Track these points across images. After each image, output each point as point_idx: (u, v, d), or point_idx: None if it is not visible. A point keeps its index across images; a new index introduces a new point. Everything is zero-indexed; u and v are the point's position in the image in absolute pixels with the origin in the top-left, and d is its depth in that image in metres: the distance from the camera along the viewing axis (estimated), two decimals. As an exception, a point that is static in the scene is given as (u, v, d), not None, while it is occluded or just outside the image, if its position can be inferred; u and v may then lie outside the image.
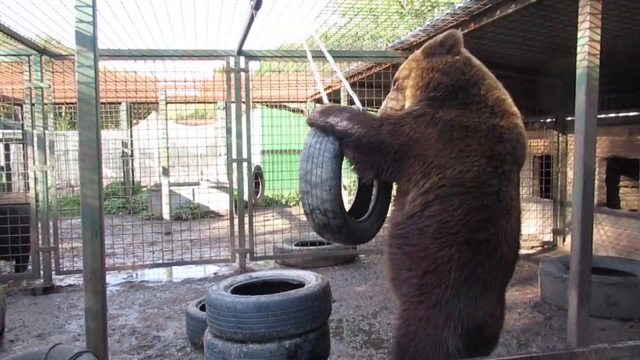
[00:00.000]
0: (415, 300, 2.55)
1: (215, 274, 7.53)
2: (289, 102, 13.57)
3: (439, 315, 2.49)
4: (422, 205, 2.52)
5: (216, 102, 13.57)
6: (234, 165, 7.46)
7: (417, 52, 2.89)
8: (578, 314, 3.94)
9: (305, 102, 13.55)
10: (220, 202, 12.21)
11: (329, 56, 3.58)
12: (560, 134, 8.70)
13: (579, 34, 3.89)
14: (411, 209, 2.57)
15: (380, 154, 2.59)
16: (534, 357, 2.24)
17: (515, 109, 2.72)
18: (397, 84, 2.98)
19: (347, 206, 3.01)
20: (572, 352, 2.28)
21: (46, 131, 6.75)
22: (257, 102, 13.10)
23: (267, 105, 13.84)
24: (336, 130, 2.72)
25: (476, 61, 2.83)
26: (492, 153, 2.49)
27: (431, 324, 2.51)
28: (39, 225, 6.73)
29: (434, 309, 2.50)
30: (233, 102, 7.43)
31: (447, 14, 5.71)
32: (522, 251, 8.79)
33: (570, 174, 8.37)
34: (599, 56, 3.86)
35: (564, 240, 8.71)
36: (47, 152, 6.74)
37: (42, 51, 6.69)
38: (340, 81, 9.70)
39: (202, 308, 4.62)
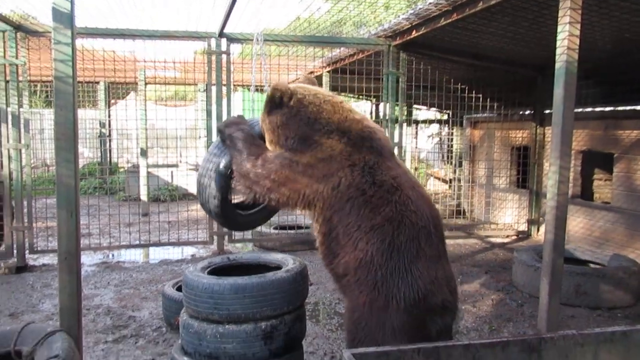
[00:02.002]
0: (356, 294, 2.74)
1: (192, 255, 7.51)
2: (270, 86, 13.46)
3: (379, 297, 2.64)
4: (325, 223, 2.84)
5: (196, 84, 13.39)
6: (214, 148, 7.39)
7: (263, 109, 3.11)
8: (549, 301, 4.04)
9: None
10: (199, 185, 12.10)
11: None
12: (538, 126, 8.83)
13: (559, 28, 3.94)
14: (319, 230, 2.90)
15: (255, 184, 2.93)
16: (504, 342, 2.30)
17: (357, 114, 3.04)
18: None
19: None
20: (541, 338, 2.35)
21: (21, 109, 6.60)
22: (239, 85, 12.98)
23: (248, 89, 13.72)
24: (230, 149, 3.08)
25: (308, 94, 3.02)
26: (351, 161, 2.82)
27: (374, 306, 2.66)
28: (13, 204, 6.61)
29: (373, 292, 2.66)
30: (214, 84, 7.37)
31: (430, 3, 5.72)
32: (497, 240, 9.02)
33: (546, 165, 8.52)
34: (578, 51, 3.91)
35: (538, 230, 8.89)
36: (22, 130, 6.61)
37: (18, 27, 6.51)
38: (325, 66, 9.68)
39: (179, 289, 4.61)
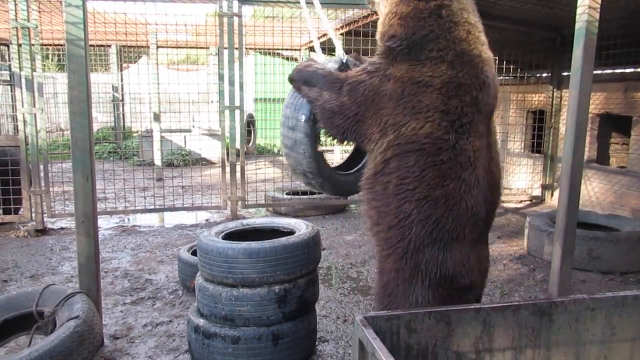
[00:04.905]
0: (385, 253, 2.66)
1: (206, 220, 7.60)
2: (283, 49, 13.31)
3: (406, 268, 2.55)
4: (382, 162, 2.58)
5: (208, 48, 13.27)
6: (226, 112, 7.39)
7: None
8: (561, 266, 4.04)
9: (299, 49, 13.29)
10: (212, 150, 12.16)
11: (317, 3, 3.40)
12: (555, 89, 8.65)
13: (581, -14, 3.80)
14: (374, 166, 2.64)
15: (341, 117, 2.68)
16: (515, 306, 2.32)
17: (485, 55, 2.62)
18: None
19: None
20: (552, 302, 2.36)
21: (34, 73, 6.60)
22: (251, 48, 12.83)
23: (260, 52, 13.58)
24: (306, 95, 2.81)
25: (453, 9, 2.61)
26: (447, 107, 2.47)
27: (400, 275, 2.59)
28: (30, 167, 6.70)
29: (401, 260, 2.57)
30: (226, 48, 7.28)
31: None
32: (510, 205, 8.95)
33: (562, 129, 8.39)
34: (599, 10, 3.79)
35: (552, 195, 8.83)
36: (36, 94, 6.63)
37: (28, -11, 6.45)
38: (339, 28, 9.51)
39: (194, 253, 4.70)
